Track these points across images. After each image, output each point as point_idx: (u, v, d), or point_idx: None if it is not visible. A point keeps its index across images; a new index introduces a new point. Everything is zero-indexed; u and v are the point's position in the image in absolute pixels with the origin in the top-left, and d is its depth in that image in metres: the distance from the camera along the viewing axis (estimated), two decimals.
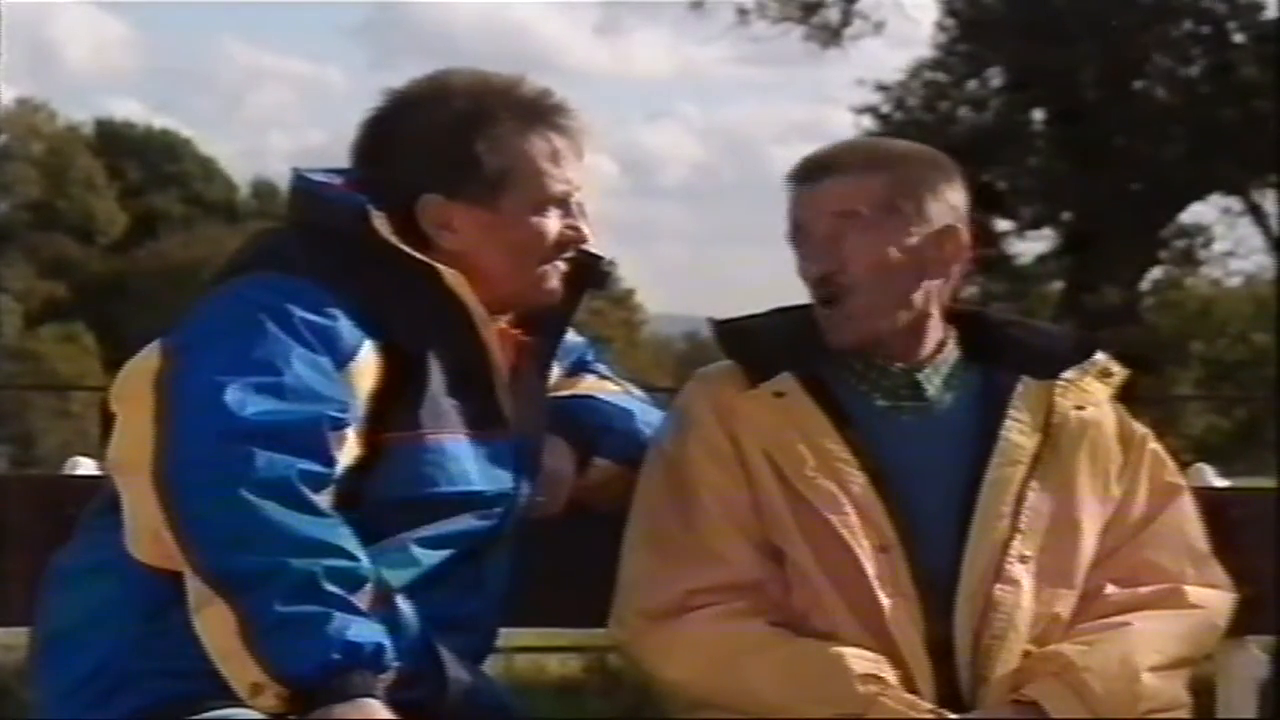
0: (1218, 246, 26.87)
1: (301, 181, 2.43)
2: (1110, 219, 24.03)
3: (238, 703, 2.13)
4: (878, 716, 2.34)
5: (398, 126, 2.41)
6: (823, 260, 2.53)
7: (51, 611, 2.31)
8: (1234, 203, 25.40)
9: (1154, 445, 2.62)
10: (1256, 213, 24.91)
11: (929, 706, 2.37)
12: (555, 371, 2.58)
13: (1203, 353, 26.75)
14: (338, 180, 2.43)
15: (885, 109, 26.41)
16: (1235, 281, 28.04)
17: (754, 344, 2.59)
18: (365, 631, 2.09)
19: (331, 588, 2.08)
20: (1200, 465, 2.96)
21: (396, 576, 2.27)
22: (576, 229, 2.46)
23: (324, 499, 2.16)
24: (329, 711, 2.05)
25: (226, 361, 2.18)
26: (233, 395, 2.14)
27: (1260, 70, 23.07)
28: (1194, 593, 2.54)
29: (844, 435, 2.49)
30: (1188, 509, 2.61)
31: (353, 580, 2.11)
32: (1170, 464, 2.63)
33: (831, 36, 24.59)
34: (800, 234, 2.57)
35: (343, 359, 2.25)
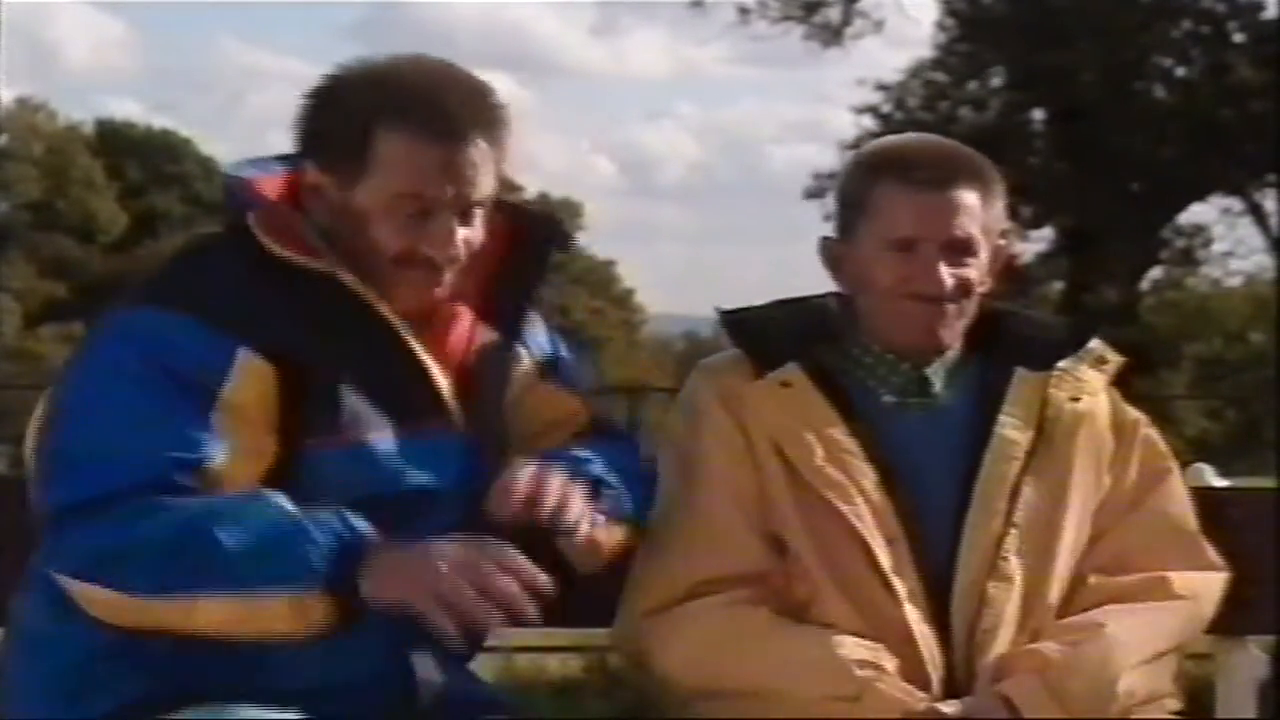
0: (1217, 246, 26.94)
1: (230, 179, 2.36)
2: (1110, 219, 24.05)
3: (211, 703, 2.15)
4: (873, 702, 2.35)
5: (312, 99, 2.32)
6: (948, 276, 2.48)
7: (25, 611, 2.30)
8: (1233, 203, 25.45)
9: (1146, 430, 2.62)
10: (1256, 213, 24.94)
11: (923, 695, 2.37)
12: (525, 358, 2.44)
13: (1202, 352, 26.76)
14: (279, 170, 2.36)
15: (885, 109, 26.47)
16: (1235, 281, 28.08)
17: (761, 334, 2.59)
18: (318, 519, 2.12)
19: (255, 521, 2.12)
20: (1200, 465, 2.95)
21: None
22: (440, 246, 2.26)
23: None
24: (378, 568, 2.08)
25: (86, 432, 2.19)
26: (71, 475, 2.18)
27: (1260, 70, 23.10)
28: (1180, 581, 2.53)
29: (851, 427, 2.49)
30: (1176, 491, 2.60)
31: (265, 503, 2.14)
32: (1162, 448, 2.62)
33: (832, 36, 24.64)
34: (910, 243, 2.49)
35: (208, 392, 2.18)
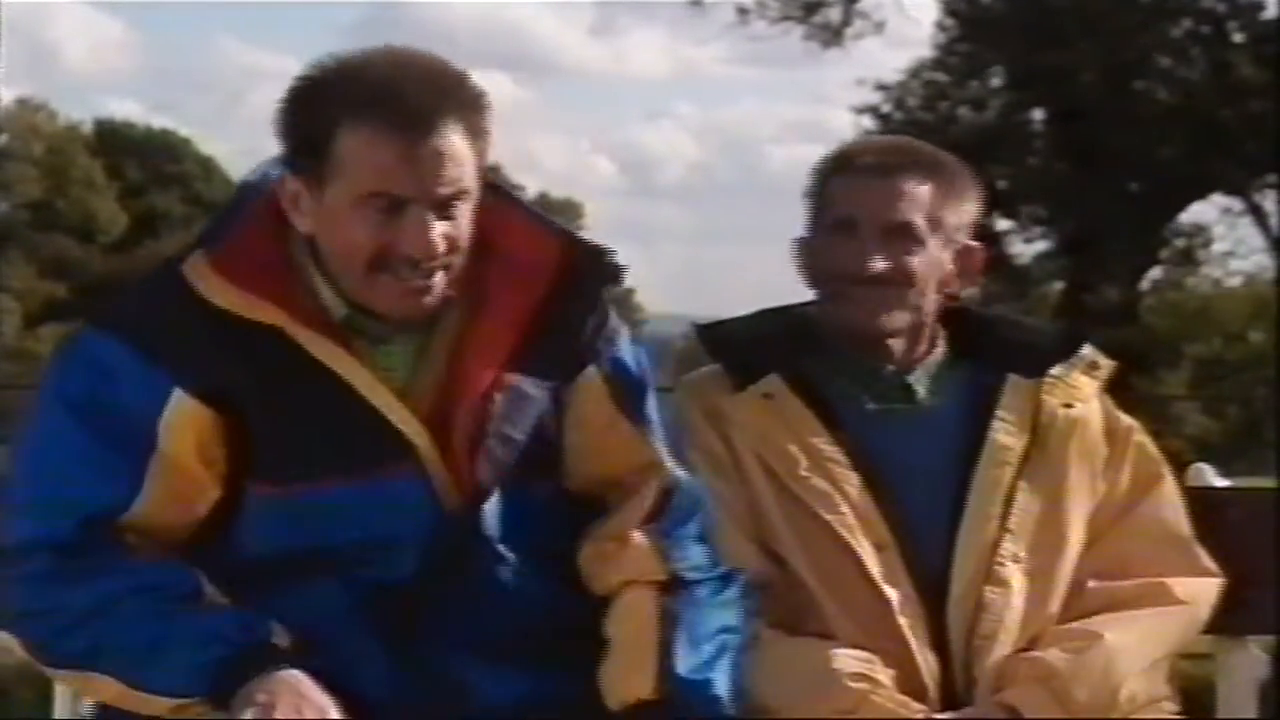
0: (1217, 246, 26.89)
1: (240, 187, 2.32)
2: (1110, 219, 24.01)
3: None
4: (867, 715, 2.34)
5: (284, 104, 2.23)
6: (878, 259, 2.50)
7: None
8: (1234, 203, 25.40)
9: (1139, 437, 2.62)
10: (1256, 213, 24.90)
11: (919, 706, 2.37)
12: (601, 393, 2.34)
13: (1202, 353, 26.75)
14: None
15: (885, 109, 26.43)
16: (1235, 281, 28.04)
17: (740, 346, 2.59)
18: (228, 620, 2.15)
19: (166, 606, 2.14)
20: (1200, 465, 2.95)
21: (300, 618, 2.18)
22: (416, 243, 2.17)
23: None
24: (248, 692, 2.08)
25: (26, 471, 2.22)
26: (18, 522, 2.21)
27: (1260, 70, 23.07)
28: (1180, 587, 2.53)
29: (834, 436, 2.50)
30: (1169, 496, 2.61)
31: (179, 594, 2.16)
32: (1154, 453, 2.63)
33: (832, 36, 24.61)
34: (848, 224, 2.53)
35: (140, 433, 2.17)
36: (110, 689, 2.17)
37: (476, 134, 2.20)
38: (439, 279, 2.22)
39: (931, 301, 2.56)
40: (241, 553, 2.21)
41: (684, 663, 2.22)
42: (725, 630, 2.28)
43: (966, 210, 2.58)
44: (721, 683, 2.23)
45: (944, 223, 2.54)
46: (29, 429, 2.25)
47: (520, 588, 2.27)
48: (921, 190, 2.52)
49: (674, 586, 2.29)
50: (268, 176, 2.29)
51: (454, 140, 2.17)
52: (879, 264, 2.49)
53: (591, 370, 2.34)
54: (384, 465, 2.20)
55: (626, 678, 2.22)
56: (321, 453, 2.18)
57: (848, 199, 2.53)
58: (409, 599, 2.22)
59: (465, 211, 2.22)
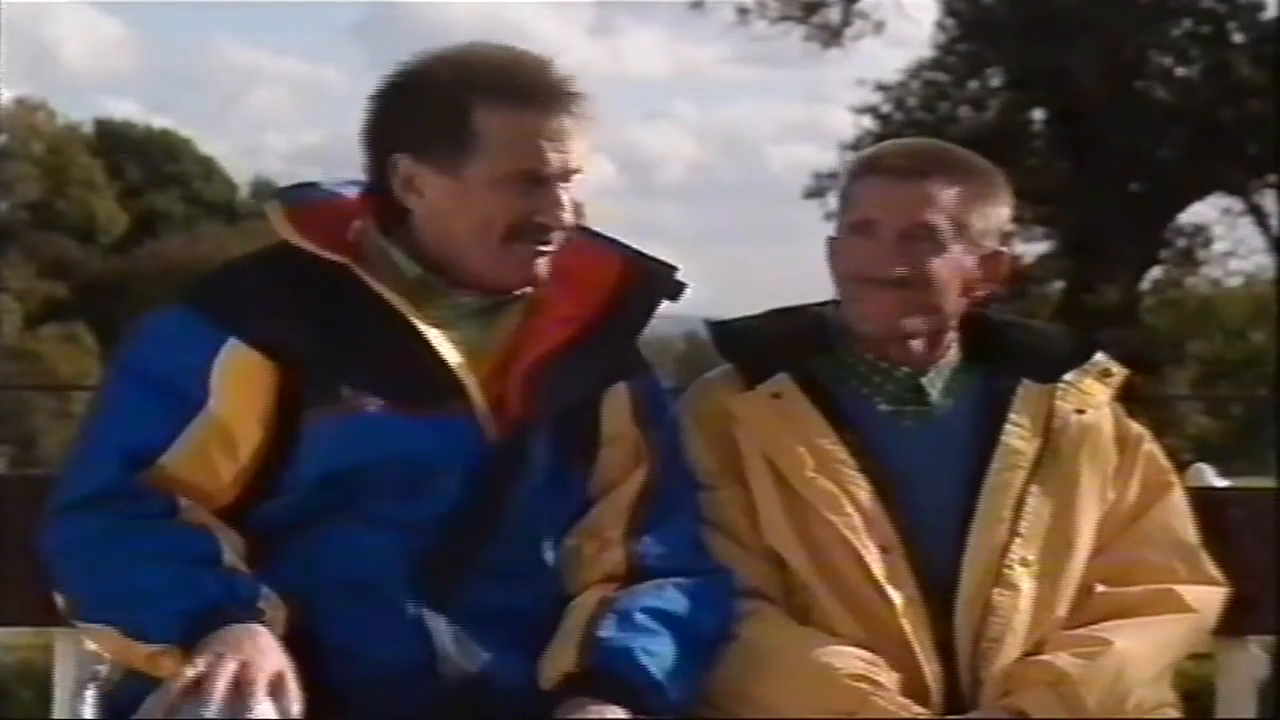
0: (1217, 246, 26.90)
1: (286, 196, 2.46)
2: (1110, 219, 24.03)
3: None
4: (868, 716, 2.34)
5: (391, 92, 2.41)
6: (894, 262, 2.49)
7: None
8: (1234, 203, 25.43)
9: (1149, 445, 2.62)
10: (1256, 213, 24.93)
11: (921, 709, 2.36)
12: (625, 403, 2.45)
13: (1202, 352, 26.75)
14: (350, 191, 2.46)
15: (885, 109, 26.45)
16: (1235, 281, 28.05)
17: (750, 346, 2.59)
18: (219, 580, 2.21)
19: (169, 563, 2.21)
20: (1200, 465, 2.95)
21: (342, 564, 2.27)
22: (549, 212, 2.37)
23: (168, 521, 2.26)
24: (206, 642, 2.13)
25: (95, 431, 2.34)
26: (72, 470, 2.33)
27: (1259, 70, 23.08)
28: (1190, 594, 2.53)
29: (842, 437, 2.49)
30: (1178, 505, 2.60)
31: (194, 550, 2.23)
32: (1164, 462, 2.63)
33: (832, 36, 24.63)
34: (865, 226, 2.53)
35: (184, 388, 2.29)
36: (110, 640, 2.27)
37: (584, 117, 2.39)
38: (555, 248, 2.40)
39: (954, 305, 2.55)
40: (296, 488, 2.30)
41: (609, 631, 2.29)
42: (672, 615, 2.33)
43: (995, 215, 2.56)
44: (651, 655, 2.28)
45: (969, 227, 2.52)
46: (92, 401, 2.39)
47: (553, 568, 2.37)
48: (946, 194, 2.50)
49: (638, 578, 2.37)
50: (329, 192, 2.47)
51: (575, 119, 2.37)
52: (895, 269, 2.49)
53: (622, 384, 2.45)
54: (436, 403, 2.32)
55: (553, 656, 2.30)
56: (377, 384, 2.31)
57: (869, 201, 2.53)
58: (448, 553, 2.30)
59: (576, 187, 2.41)
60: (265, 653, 2.13)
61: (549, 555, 2.37)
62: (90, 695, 2.58)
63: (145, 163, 43.34)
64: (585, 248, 2.46)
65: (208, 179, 43.82)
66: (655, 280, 2.48)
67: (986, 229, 2.54)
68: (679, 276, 2.47)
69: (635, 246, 2.51)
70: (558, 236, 2.39)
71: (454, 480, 2.31)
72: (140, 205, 41.53)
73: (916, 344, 2.55)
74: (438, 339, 2.34)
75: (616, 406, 2.44)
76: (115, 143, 43.34)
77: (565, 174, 2.37)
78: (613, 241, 2.51)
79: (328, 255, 2.35)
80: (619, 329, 2.45)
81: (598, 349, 2.42)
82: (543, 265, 2.39)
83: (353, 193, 2.46)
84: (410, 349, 2.33)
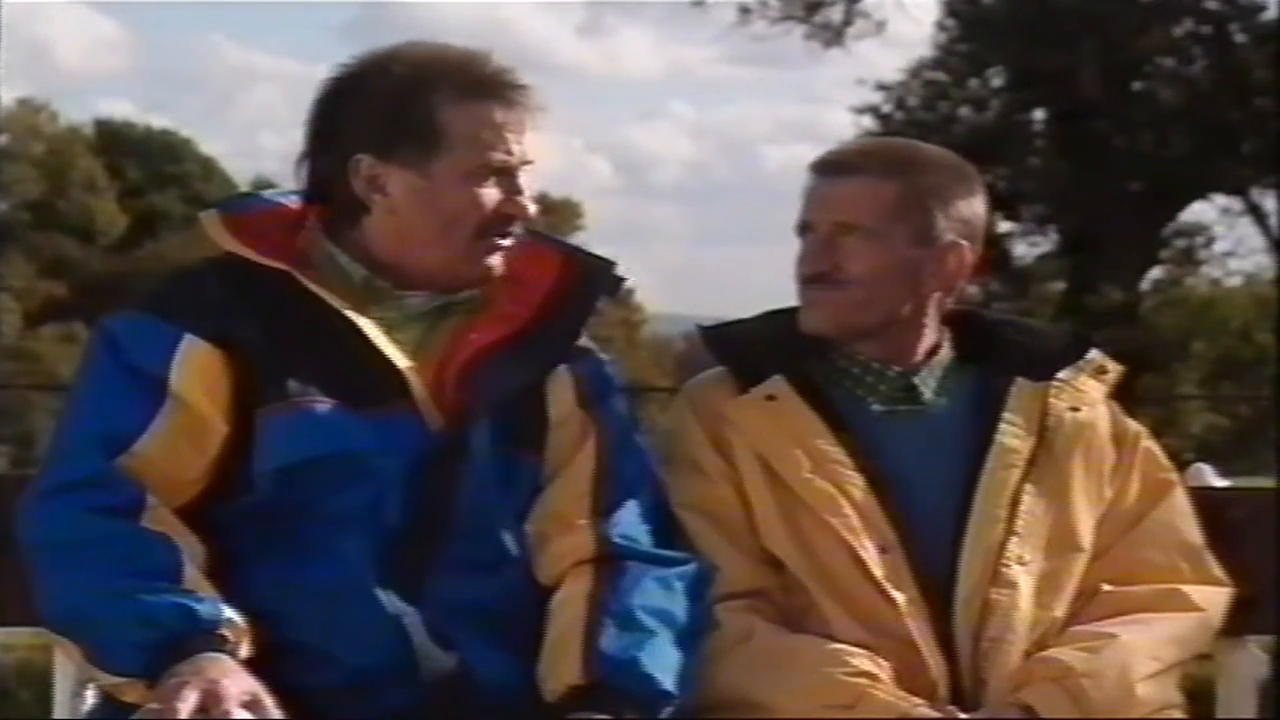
0: (1218, 246, 26.88)
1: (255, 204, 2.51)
2: (1111, 219, 24.03)
3: None
4: (867, 709, 2.34)
5: (342, 95, 2.43)
6: (819, 261, 2.53)
7: None
8: (1234, 203, 25.41)
9: (1147, 443, 2.62)
10: (1256, 213, 24.91)
11: (919, 701, 2.36)
12: (568, 386, 2.47)
13: (1203, 352, 26.74)
14: (291, 200, 2.49)
15: (885, 109, 26.44)
16: (1235, 281, 28.04)
17: (743, 348, 2.59)
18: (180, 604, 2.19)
19: (133, 581, 2.20)
20: (1200, 465, 2.95)
21: (311, 567, 2.28)
22: (515, 204, 2.41)
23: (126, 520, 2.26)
24: (169, 675, 2.13)
25: (68, 421, 2.38)
26: (48, 459, 2.36)
27: (1261, 70, 23.07)
28: (1195, 593, 2.54)
29: (838, 438, 2.49)
30: (1180, 504, 2.61)
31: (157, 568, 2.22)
32: (1163, 460, 2.63)
33: (833, 36, 24.61)
34: (804, 227, 2.57)
35: (150, 380, 2.32)
36: (76, 656, 2.28)
37: (534, 108, 2.44)
38: (514, 241, 2.43)
39: (907, 300, 2.54)
40: (255, 487, 2.31)
41: (611, 643, 2.29)
42: (663, 611, 2.34)
43: (956, 209, 2.55)
44: (655, 662, 2.29)
45: (915, 222, 2.52)
46: (65, 401, 2.42)
47: (518, 557, 2.38)
48: (878, 190, 2.51)
49: (609, 562, 2.37)
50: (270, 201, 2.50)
51: (530, 110, 2.42)
52: (819, 267, 2.53)
53: (564, 368, 2.47)
54: (385, 403, 2.35)
55: (556, 667, 2.29)
56: (325, 383, 2.33)
57: (805, 202, 2.58)
58: (410, 549, 2.31)
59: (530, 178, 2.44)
60: (232, 676, 2.13)
61: (510, 544, 2.37)
62: (90, 695, 2.58)
63: (145, 163, 43.33)
64: (525, 245, 2.48)
65: (207, 179, 43.80)
66: (594, 276, 2.50)
67: (939, 224, 2.53)
68: (618, 272, 2.51)
69: (572, 243, 2.58)
70: (518, 229, 2.43)
71: (401, 474, 2.32)
72: (140, 205, 41.52)
73: (873, 344, 2.55)
74: (383, 341, 2.36)
75: (560, 390, 2.46)
76: (116, 143, 43.35)
77: (525, 165, 2.42)
78: (551, 239, 2.55)
79: (267, 262, 2.37)
80: (558, 326, 2.47)
81: (536, 344, 2.44)
82: (500, 260, 2.43)
83: (294, 202, 2.48)
84: (357, 351, 2.36)
